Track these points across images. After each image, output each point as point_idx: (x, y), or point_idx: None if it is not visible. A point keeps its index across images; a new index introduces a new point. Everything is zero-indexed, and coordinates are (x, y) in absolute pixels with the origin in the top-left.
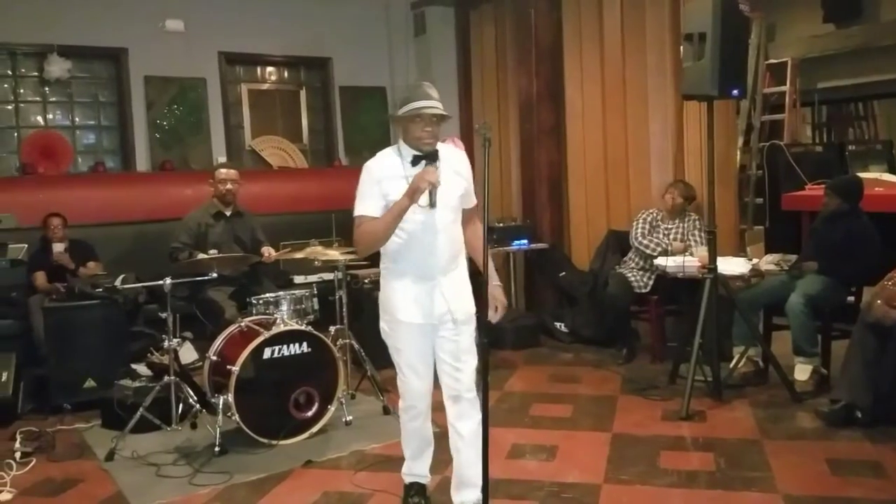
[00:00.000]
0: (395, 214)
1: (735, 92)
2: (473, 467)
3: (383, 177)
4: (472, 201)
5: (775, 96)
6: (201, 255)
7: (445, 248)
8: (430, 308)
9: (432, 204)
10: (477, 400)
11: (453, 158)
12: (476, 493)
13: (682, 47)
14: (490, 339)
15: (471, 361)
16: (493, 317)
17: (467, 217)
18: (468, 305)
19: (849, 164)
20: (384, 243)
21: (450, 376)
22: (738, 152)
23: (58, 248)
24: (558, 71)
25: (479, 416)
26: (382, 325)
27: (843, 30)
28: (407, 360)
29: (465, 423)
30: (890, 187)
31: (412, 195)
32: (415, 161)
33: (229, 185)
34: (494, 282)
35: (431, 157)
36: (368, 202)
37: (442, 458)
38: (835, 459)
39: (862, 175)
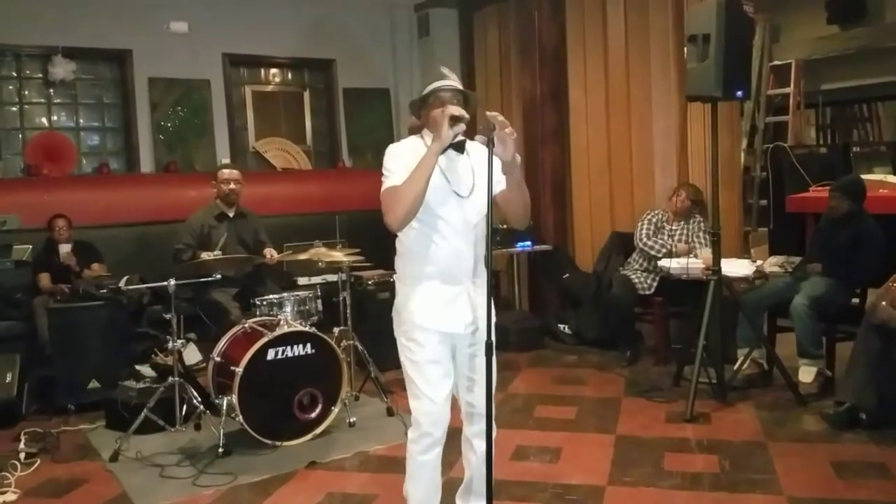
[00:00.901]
0: (426, 163)
1: (739, 93)
2: (484, 484)
3: (408, 158)
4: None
5: (779, 98)
6: (204, 255)
7: (477, 247)
8: (455, 316)
9: (464, 120)
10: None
11: (483, 151)
12: None
13: (685, 49)
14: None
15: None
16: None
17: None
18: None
19: (853, 165)
20: (416, 205)
21: (465, 389)
22: (742, 154)
23: (64, 248)
24: (562, 73)
25: (493, 435)
26: (400, 338)
27: (848, 31)
28: (423, 373)
29: (480, 442)
30: (894, 189)
31: (441, 132)
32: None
33: (232, 185)
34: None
35: (457, 146)
36: (395, 176)
37: (447, 457)
38: (839, 462)
39: (866, 177)
